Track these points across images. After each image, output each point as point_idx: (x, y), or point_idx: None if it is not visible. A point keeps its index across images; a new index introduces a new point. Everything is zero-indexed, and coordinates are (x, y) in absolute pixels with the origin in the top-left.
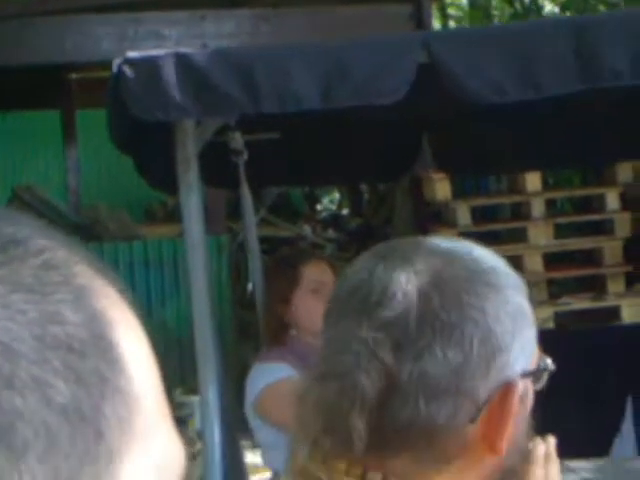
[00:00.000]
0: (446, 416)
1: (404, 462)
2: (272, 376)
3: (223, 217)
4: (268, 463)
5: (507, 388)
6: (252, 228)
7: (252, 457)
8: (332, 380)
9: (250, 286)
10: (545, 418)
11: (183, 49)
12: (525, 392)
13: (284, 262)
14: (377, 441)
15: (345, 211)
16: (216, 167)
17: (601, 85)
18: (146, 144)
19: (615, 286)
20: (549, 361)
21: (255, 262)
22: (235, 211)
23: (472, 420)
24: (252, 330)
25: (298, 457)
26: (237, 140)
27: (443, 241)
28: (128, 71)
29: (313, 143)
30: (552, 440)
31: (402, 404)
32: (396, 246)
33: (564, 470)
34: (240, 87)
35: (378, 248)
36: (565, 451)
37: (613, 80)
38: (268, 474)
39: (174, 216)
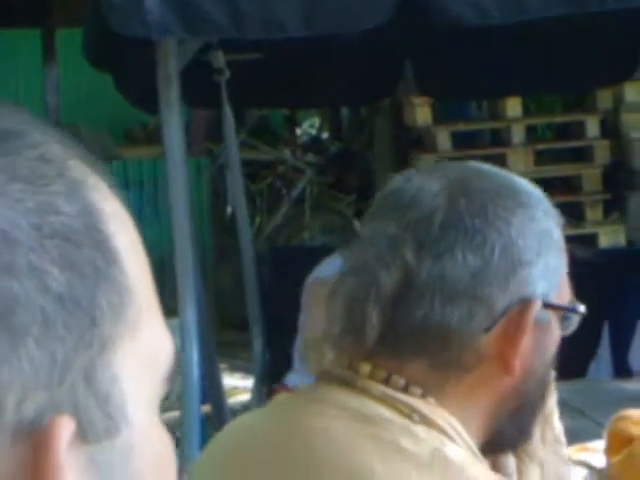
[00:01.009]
0: (460, 319)
1: (422, 367)
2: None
3: (203, 139)
4: None
5: (524, 305)
6: (233, 148)
7: (230, 379)
8: (354, 274)
9: (229, 209)
10: None
11: None
12: (547, 321)
13: None
14: (393, 340)
15: (325, 135)
16: (198, 86)
17: (586, 9)
18: (126, 61)
19: (593, 213)
20: (582, 307)
21: (237, 184)
22: (215, 133)
23: (487, 329)
24: (230, 253)
25: (323, 360)
26: (219, 59)
27: (489, 166)
28: None
29: (295, 64)
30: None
31: (418, 302)
32: (441, 165)
33: None
34: (223, 10)
35: (426, 166)
36: None
37: (597, 5)
38: (246, 396)
39: (154, 138)
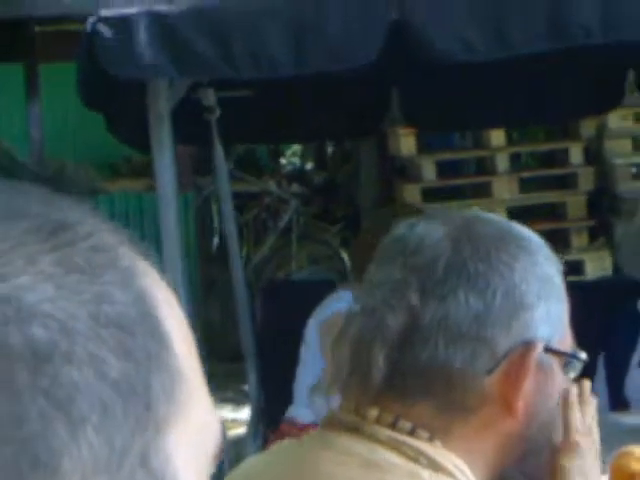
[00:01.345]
0: (463, 360)
1: (428, 409)
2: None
3: (189, 173)
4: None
5: (527, 347)
6: (225, 185)
7: (221, 412)
8: (361, 316)
9: (216, 241)
10: None
11: (152, 5)
12: (549, 366)
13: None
14: (399, 382)
15: (309, 166)
16: (188, 124)
17: (572, 44)
18: (118, 101)
19: (579, 240)
20: (583, 354)
21: (228, 217)
22: (200, 167)
23: (489, 371)
24: (218, 285)
25: (332, 406)
26: (209, 97)
27: (490, 214)
28: (102, 29)
29: (284, 100)
30: (587, 383)
31: (422, 344)
32: (444, 212)
33: None
34: (215, 49)
35: (429, 212)
36: None
37: (584, 39)
38: (239, 429)
39: (138, 171)
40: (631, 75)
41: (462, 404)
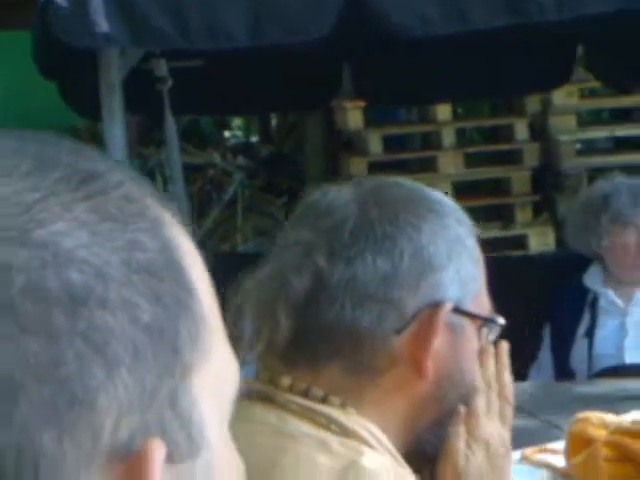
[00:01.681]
0: (371, 321)
1: (337, 372)
2: None
3: (135, 143)
4: None
5: (435, 308)
6: (176, 155)
7: None
8: (266, 280)
9: None
10: None
11: None
12: (460, 327)
13: None
14: (307, 345)
15: (254, 138)
16: (139, 94)
17: (528, 20)
18: (71, 70)
19: (523, 215)
20: (501, 319)
21: (178, 189)
22: (144, 138)
23: (398, 331)
24: None
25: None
26: (162, 67)
27: (404, 179)
28: None
29: (236, 72)
30: (505, 345)
31: (329, 304)
32: (357, 178)
33: None
34: (170, 20)
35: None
36: None
37: (539, 15)
38: None
39: (84, 140)
40: (580, 51)
41: (371, 365)
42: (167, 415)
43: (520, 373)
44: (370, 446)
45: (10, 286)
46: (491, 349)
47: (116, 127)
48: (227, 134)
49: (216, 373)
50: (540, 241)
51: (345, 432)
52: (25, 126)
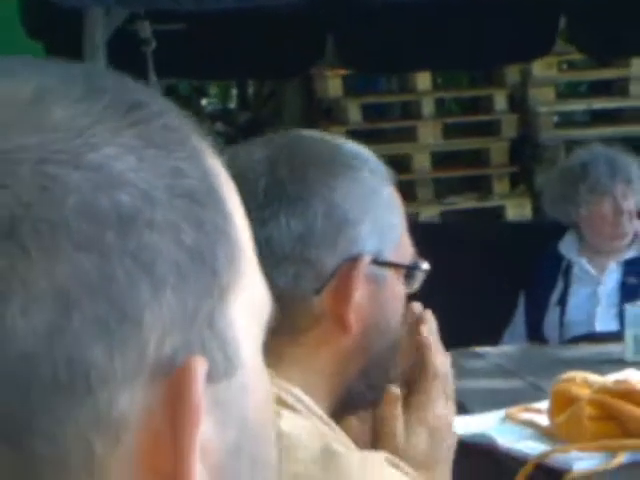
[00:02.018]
0: (287, 282)
1: None
2: None
3: None
4: None
5: (353, 262)
6: None
7: None
8: None
9: None
10: (437, 310)
11: None
12: (382, 277)
13: None
14: None
15: (232, 105)
16: (123, 56)
17: None
18: (58, 31)
19: (500, 186)
20: (425, 264)
21: None
22: None
23: (317, 291)
24: None
25: None
26: (146, 29)
27: (316, 133)
28: None
29: (218, 36)
30: (416, 305)
31: None
32: (270, 135)
33: (470, 354)
34: None
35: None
36: (458, 339)
37: None
38: None
39: None
40: (562, 23)
41: (292, 325)
42: (206, 334)
43: (495, 338)
44: (292, 409)
45: (64, 205)
46: (432, 340)
47: None
48: (204, 101)
49: (250, 297)
50: (517, 212)
51: None
52: None
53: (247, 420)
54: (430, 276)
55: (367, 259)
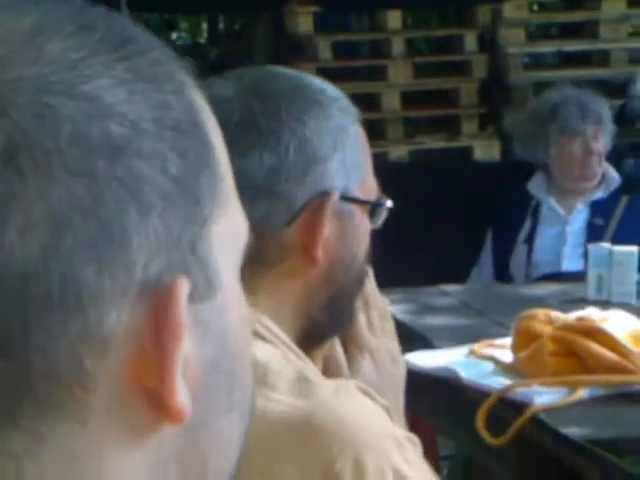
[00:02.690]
0: (260, 215)
1: None
2: None
3: None
4: None
5: (323, 198)
6: None
7: None
8: None
9: None
10: (405, 248)
11: None
12: (348, 213)
13: None
14: None
15: (201, 40)
16: None
17: None
18: None
19: (469, 127)
20: (389, 202)
21: None
22: None
23: (287, 223)
24: None
25: None
26: None
27: (285, 69)
28: None
29: None
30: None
31: None
32: (242, 70)
33: (437, 292)
34: None
35: (227, 73)
36: (426, 277)
37: None
38: None
39: None
40: None
41: (262, 257)
42: (189, 259)
43: (463, 276)
44: (262, 338)
45: (59, 134)
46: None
47: None
48: (174, 36)
49: (230, 224)
50: (485, 153)
51: None
52: None
53: (226, 338)
54: (399, 215)
55: (335, 195)
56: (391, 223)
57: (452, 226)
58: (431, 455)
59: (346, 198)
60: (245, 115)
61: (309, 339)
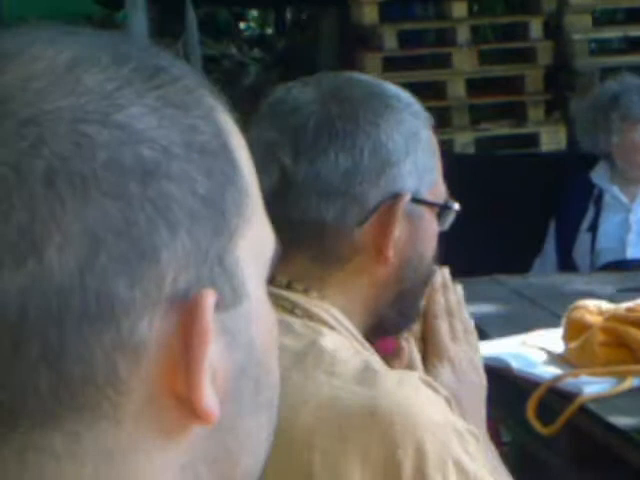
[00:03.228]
0: (335, 215)
1: (304, 262)
2: None
3: (152, 34)
4: None
5: (395, 199)
6: (196, 46)
7: None
8: None
9: None
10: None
11: None
12: (419, 215)
13: None
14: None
15: (269, 30)
16: None
17: None
18: None
19: (535, 113)
20: (456, 205)
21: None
22: (161, 28)
23: (360, 223)
24: None
25: None
26: None
27: (363, 75)
28: None
29: None
30: (446, 270)
31: (295, 201)
32: (319, 75)
33: (493, 282)
34: None
35: (306, 78)
36: (488, 268)
37: None
38: None
39: (99, 28)
40: None
41: (335, 254)
42: (216, 270)
43: (526, 265)
44: (332, 328)
45: (94, 160)
46: (451, 286)
47: (139, 17)
48: (242, 26)
49: (256, 237)
50: (551, 139)
51: (308, 315)
52: (43, 14)
53: (252, 345)
54: (464, 206)
55: (407, 197)
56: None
57: (516, 216)
58: (494, 441)
59: (417, 200)
60: (323, 119)
61: (375, 334)
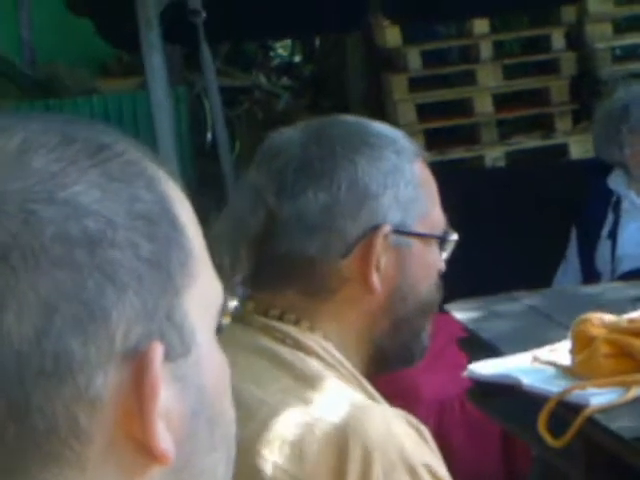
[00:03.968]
0: (318, 249)
1: (294, 295)
2: None
3: (180, 68)
4: None
5: (375, 231)
6: (213, 83)
7: None
8: (228, 220)
9: (209, 136)
10: (496, 253)
11: None
12: (407, 246)
13: None
14: (266, 274)
15: (298, 59)
16: (176, 24)
17: None
18: (107, 7)
19: (563, 124)
20: (454, 235)
21: (217, 113)
22: (190, 61)
23: (344, 256)
24: (213, 180)
25: None
26: (195, 1)
27: (352, 117)
28: None
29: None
30: None
31: (281, 238)
32: (311, 120)
33: (508, 299)
34: None
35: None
36: (513, 283)
37: None
38: None
39: (130, 70)
40: None
41: (324, 286)
42: (165, 324)
43: (550, 275)
44: (320, 359)
45: (43, 234)
46: None
47: (155, 60)
48: (271, 55)
49: (202, 291)
50: (581, 148)
51: (298, 345)
52: (69, 58)
53: (203, 389)
54: (492, 220)
55: (387, 229)
56: (485, 229)
57: (537, 228)
58: (526, 457)
59: (402, 232)
60: (303, 160)
61: (378, 366)
